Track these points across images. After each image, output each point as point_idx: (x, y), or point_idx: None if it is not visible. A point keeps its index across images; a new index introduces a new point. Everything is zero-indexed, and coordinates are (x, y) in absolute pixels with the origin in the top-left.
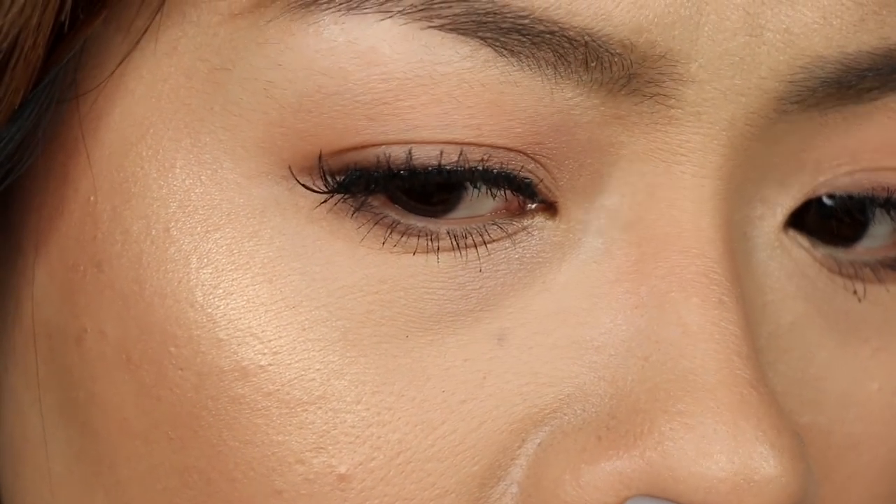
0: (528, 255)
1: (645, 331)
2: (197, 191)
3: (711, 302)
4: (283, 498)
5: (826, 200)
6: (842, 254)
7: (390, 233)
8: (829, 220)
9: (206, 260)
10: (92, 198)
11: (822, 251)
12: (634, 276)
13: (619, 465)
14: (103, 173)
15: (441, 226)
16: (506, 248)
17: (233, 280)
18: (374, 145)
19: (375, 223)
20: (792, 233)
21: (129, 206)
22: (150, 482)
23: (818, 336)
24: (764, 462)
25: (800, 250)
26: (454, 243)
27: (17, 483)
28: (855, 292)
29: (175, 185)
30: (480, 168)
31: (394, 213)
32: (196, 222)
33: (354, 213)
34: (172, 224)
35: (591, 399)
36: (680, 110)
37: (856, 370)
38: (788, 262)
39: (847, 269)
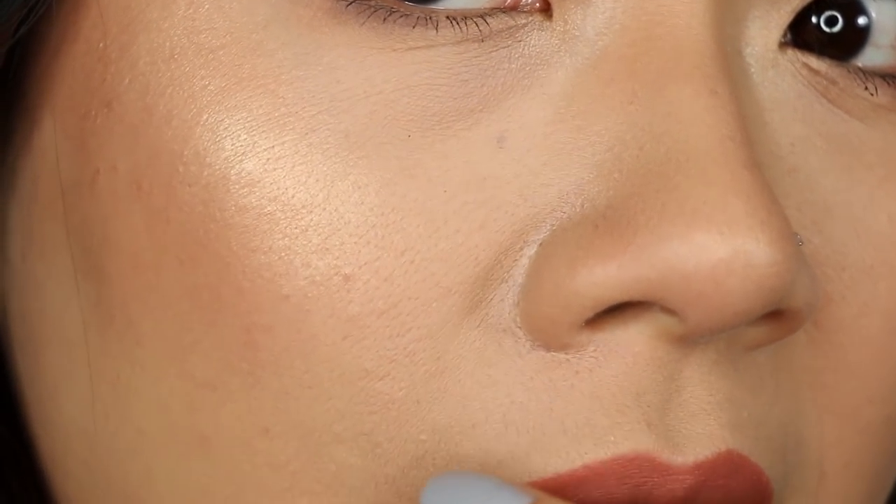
0: (526, 57)
1: (639, 123)
2: (200, 16)
3: (704, 91)
4: (291, 303)
5: (824, 14)
6: (843, 70)
7: (391, 24)
8: (827, 32)
9: (209, 78)
10: (101, 44)
11: (823, 68)
12: (628, 75)
13: (611, 251)
14: (112, 18)
15: (440, 13)
16: (506, 47)
17: (236, 94)
18: None
19: (377, 16)
20: (790, 52)
21: (136, 43)
22: (160, 313)
23: (820, 161)
24: (753, 242)
25: (798, 71)
26: (455, 30)
27: (37, 367)
28: (856, 114)
29: (179, 15)
30: None
31: (394, 4)
32: (200, 44)
33: (356, 12)
34: (178, 50)
35: (588, 195)
36: None
37: (863, 198)
38: (786, 83)
39: (850, 87)
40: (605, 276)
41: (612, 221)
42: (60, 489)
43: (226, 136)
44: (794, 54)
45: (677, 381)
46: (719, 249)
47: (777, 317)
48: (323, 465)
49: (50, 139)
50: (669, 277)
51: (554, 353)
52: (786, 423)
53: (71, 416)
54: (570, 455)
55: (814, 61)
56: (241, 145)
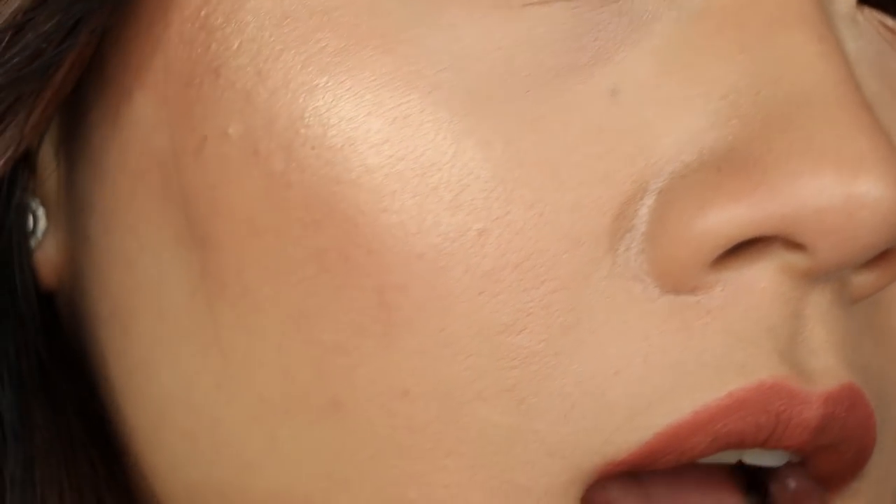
0: (634, 12)
1: (752, 71)
2: None
3: (814, 37)
4: (425, 261)
5: None
6: None
7: None
8: None
9: (327, 40)
10: (203, 12)
11: None
12: (735, 26)
13: (742, 190)
14: None
15: None
16: (615, 2)
17: (357, 54)
18: None
19: None
20: (867, 10)
21: (243, 9)
22: (282, 278)
23: (893, 118)
24: (881, 177)
25: (874, 28)
26: None
27: (125, 341)
28: None
29: None
30: None
31: None
32: (312, 7)
33: None
34: (289, 12)
35: (706, 143)
36: None
37: None
38: (865, 39)
39: None
40: (738, 215)
41: (736, 164)
42: (149, 461)
43: (349, 97)
44: (870, 13)
45: (800, 319)
46: (850, 184)
47: (883, 260)
48: (466, 424)
49: (142, 110)
50: (803, 212)
51: (683, 297)
52: (882, 379)
53: (169, 387)
54: (714, 386)
55: (889, 20)
56: (366, 105)
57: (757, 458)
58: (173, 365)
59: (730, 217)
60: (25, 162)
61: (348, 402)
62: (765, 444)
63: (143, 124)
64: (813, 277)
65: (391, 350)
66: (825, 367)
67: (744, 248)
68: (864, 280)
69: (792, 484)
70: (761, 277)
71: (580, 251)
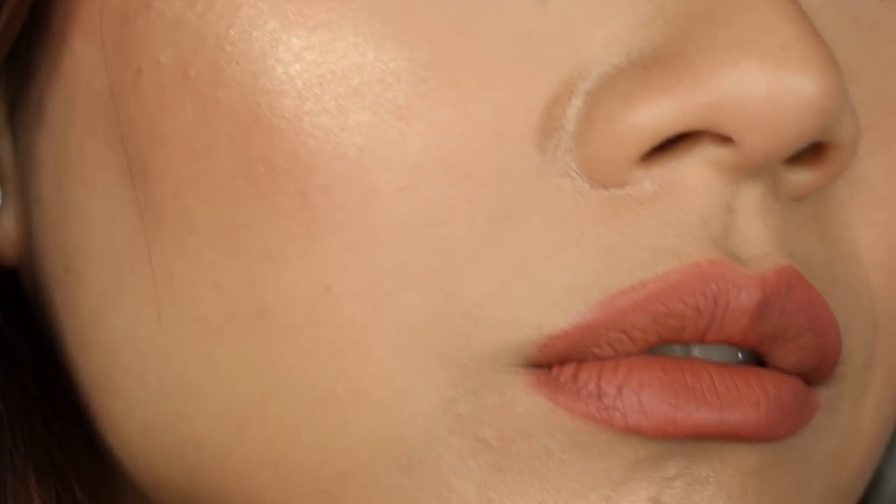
0: None
1: None
2: None
3: None
4: (347, 159)
5: None
6: None
7: None
8: None
9: None
10: None
11: None
12: None
13: (667, 83)
14: None
15: None
16: None
17: None
18: None
19: None
20: None
21: None
22: (214, 195)
23: (839, 31)
24: (805, 66)
25: None
26: None
27: (77, 294)
28: None
29: None
30: None
31: None
32: None
33: None
34: None
35: (633, 43)
36: None
37: (883, 67)
38: None
39: None
40: (662, 108)
41: (662, 60)
42: (106, 410)
43: (271, 11)
44: None
45: (734, 213)
46: (773, 72)
47: (820, 158)
48: (390, 314)
49: (82, 56)
50: (726, 102)
51: (613, 190)
52: (833, 269)
53: (117, 329)
54: (649, 266)
55: None
56: (288, 16)
57: (707, 354)
58: (120, 306)
59: (655, 111)
60: None
61: (274, 307)
62: (706, 335)
63: (84, 70)
64: (743, 172)
65: (314, 250)
66: (761, 254)
67: (673, 145)
68: (802, 178)
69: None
70: (691, 173)
71: (506, 149)
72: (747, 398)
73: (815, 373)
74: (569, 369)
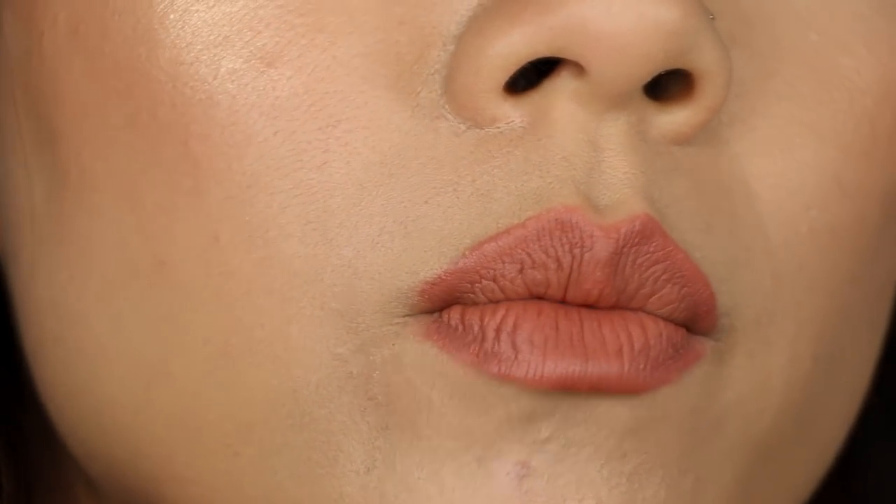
0: None
1: None
2: None
3: None
4: (221, 107)
5: None
6: None
7: None
8: None
9: None
10: None
11: None
12: None
13: (515, 13)
14: None
15: None
16: None
17: None
18: None
19: None
20: None
21: None
22: (109, 150)
23: None
24: None
25: None
26: None
27: (16, 268)
28: None
29: None
30: None
31: None
32: None
33: None
34: None
35: None
36: None
37: (790, 16)
38: None
39: None
40: (513, 36)
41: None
42: (42, 381)
43: None
44: None
45: (599, 151)
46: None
47: (690, 93)
48: (274, 261)
49: (6, 31)
50: (571, 24)
51: (487, 129)
52: (709, 218)
53: (41, 298)
54: (514, 212)
55: None
56: None
57: None
58: (41, 273)
59: (508, 40)
60: None
61: (170, 260)
62: (567, 292)
63: (8, 45)
64: (602, 104)
65: (200, 200)
66: (620, 200)
67: (541, 79)
68: (675, 118)
69: None
70: (554, 106)
71: (377, 93)
72: (612, 346)
73: (693, 323)
74: (455, 311)
